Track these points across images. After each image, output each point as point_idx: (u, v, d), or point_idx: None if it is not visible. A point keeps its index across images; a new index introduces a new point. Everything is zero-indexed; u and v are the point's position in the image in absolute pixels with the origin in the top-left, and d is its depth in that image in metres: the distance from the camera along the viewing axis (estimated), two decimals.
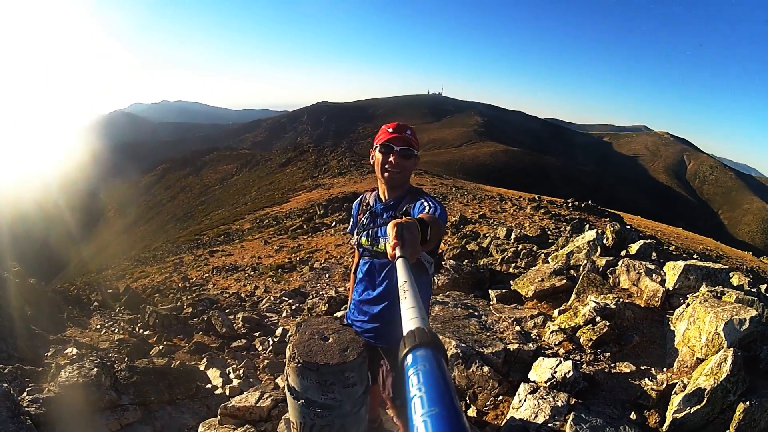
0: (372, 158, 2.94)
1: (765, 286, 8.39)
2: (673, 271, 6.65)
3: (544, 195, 30.34)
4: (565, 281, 6.89)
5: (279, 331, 8.44)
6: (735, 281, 6.99)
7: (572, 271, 7.48)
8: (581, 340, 5.62)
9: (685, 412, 4.28)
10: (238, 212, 45.04)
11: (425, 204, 2.63)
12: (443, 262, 3.72)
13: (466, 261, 11.34)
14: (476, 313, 6.17)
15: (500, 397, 4.86)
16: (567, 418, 4.05)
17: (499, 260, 10.95)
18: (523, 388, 4.42)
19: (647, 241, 8.77)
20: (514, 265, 10.20)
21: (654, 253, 8.33)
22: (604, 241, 8.44)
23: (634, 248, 8.40)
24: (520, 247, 12.03)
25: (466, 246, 14.44)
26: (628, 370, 5.23)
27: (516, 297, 7.17)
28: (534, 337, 5.84)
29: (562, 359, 4.85)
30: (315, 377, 2.47)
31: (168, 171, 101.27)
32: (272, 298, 12.87)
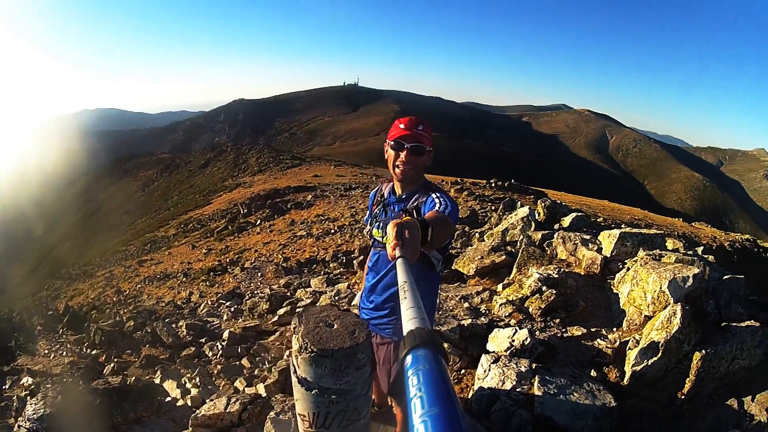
0: (385, 154, 2.90)
1: (700, 249, 8.79)
2: (608, 239, 6.99)
3: (466, 178, 30.74)
4: (504, 257, 7.06)
5: (226, 334, 8.22)
6: (670, 245, 7.40)
7: (509, 247, 7.69)
8: (530, 310, 5.79)
9: (643, 365, 4.52)
10: (162, 218, 43.69)
11: (436, 201, 2.62)
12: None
13: None
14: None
15: (462, 371, 4.91)
16: (533, 381, 4.16)
17: None
18: (485, 359, 4.50)
19: (579, 214, 9.07)
20: (460, 247, 10.36)
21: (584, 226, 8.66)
22: (537, 216, 8.71)
23: (566, 221, 8.69)
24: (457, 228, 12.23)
25: None
26: (579, 333, 5.44)
27: (458, 276, 7.29)
28: (484, 311, 5.92)
29: (517, 328, 4.96)
30: (330, 363, 2.41)
31: (90, 183, 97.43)
32: (209, 303, 12.64)
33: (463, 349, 5.11)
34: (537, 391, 4.06)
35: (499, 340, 4.94)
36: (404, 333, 0.83)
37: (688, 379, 4.56)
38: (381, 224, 2.88)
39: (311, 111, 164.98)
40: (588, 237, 7.31)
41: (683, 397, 4.56)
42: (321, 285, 11.11)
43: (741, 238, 26.18)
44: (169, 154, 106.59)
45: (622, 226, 13.39)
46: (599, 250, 6.95)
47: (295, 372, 2.56)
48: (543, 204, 9.16)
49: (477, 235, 10.45)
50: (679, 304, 4.82)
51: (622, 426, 4.09)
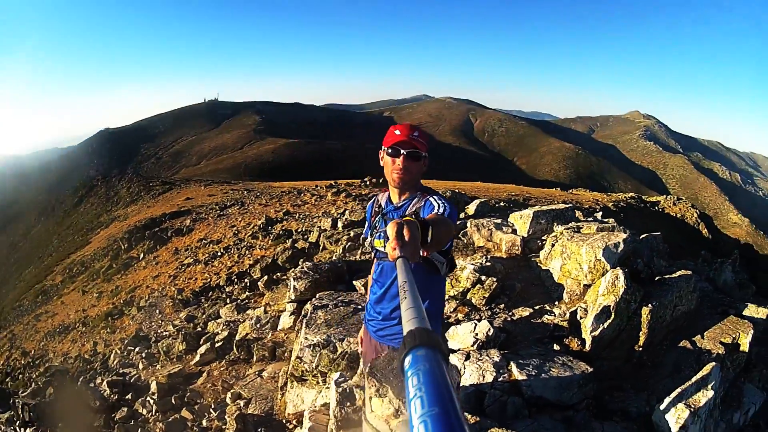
0: (381, 161, 2.87)
1: (599, 213, 9.27)
2: (522, 220, 7.30)
3: (339, 179, 30.87)
4: None
5: (153, 386, 7.60)
6: (580, 216, 7.71)
7: None
8: (473, 301, 5.84)
9: (600, 329, 4.81)
10: (47, 265, 40.62)
11: (435, 204, 2.61)
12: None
13: (317, 258, 11.24)
14: (359, 306, 6.06)
15: None
16: (510, 368, 4.17)
17: (340, 250, 10.90)
18: (456, 358, 4.46)
19: (482, 200, 9.31)
20: (360, 252, 10.24)
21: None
22: None
23: (471, 209, 8.91)
24: (352, 233, 12.06)
25: (296, 246, 14.13)
26: (526, 313, 5.61)
27: None
28: None
29: (476, 322, 5.00)
30: None
31: None
32: (117, 351, 12.08)
33: None
34: (518, 375, 4.10)
35: (461, 337, 4.93)
36: (404, 333, 0.83)
37: (641, 332, 4.95)
38: (381, 234, 2.82)
39: (174, 132, 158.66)
40: (499, 221, 7.53)
41: (640, 349, 4.93)
42: (232, 313, 10.70)
43: (625, 197, 28.01)
44: (43, 196, 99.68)
45: (501, 203, 13.91)
46: (514, 232, 7.24)
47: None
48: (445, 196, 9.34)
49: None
50: (618, 268, 5.17)
51: (598, 387, 4.34)
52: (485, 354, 4.43)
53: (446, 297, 5.75)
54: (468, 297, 5.86)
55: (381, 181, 26.24)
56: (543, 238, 7.20)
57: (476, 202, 9.08)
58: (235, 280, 14.31)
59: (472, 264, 6.12)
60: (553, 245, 6.59)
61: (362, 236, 3.32)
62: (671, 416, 3.75)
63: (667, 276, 5.51)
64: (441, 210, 2.52)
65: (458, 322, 5.43)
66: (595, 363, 4.59)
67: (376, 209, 3.06)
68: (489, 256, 6.68)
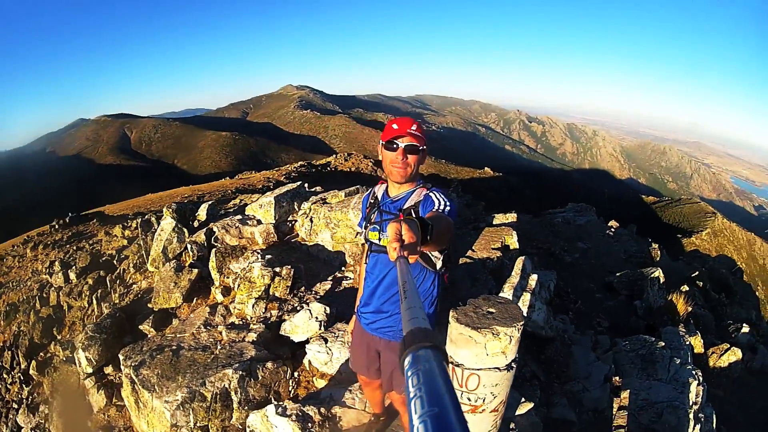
0: (379, 155, 2.79)
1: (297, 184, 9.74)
2: (263, 209, 7.66)
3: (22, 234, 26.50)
4: (196, 271, 6.72)
5: None
6: (318, 189, 8.31)
7: (183, 259, 7.42)
8: (278, 294, 6.12)
9: None
10: None
11: (435, 200, 2.59)
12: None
13: (68, 321, 9.93)
14: (176, 346, 5.60)
15: (298, 374, 5.00)
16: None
17: (92, 301, 9.85)
18: (318, 346, 4.68)
19: (209, 203, 9.19)
20: (126, 293, 9.35)
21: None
22: (177, 222, 8.57)
23: (202, 214, 8.70)
24: (91, 280, 10.90)
25: (40, 315, 12.35)
26: (328, 286, 6.30)
27: (168, 314, 6.55)
28: (245, 322, 5.82)
29: (306, 309, 5.42)
30: None
31: None
32: None
33: (276, 356, 5.08)
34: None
35: (302, 328, 5.31)
36: (404, 333, 0.84)
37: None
38: (377, 226, 2.77)
39: None
40: (240, 216, 7.67)
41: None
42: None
43: (295, 167, 29.43)
44: None
45: (203, 201, 13.86)
46: (260, 222, 7.53)
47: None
48: (170, 209, 8.98)
49: (131, 269, 9.53)
50: None
51: None
52: (339, 331, 4.73)
53: (252, 301, 5.79)
54: (271, 292, 6.07)
55: (68, 220, 22.91)
56: (290, 219, 7.53)
57: (204, 206, 8.86)
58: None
59: (258, 262, 6.26)
60: (312, 221, 6.96)
61: (357, 227, 3.16)
62: (522, 303, 4.51)
63: None
64: (442, 207, 2.52)
65: (281, 319, 5.64)
66: None
67: (372, 201, 2.99)
68: (259, 250, 6.75)
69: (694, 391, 5.16)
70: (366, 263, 3.00)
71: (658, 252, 16.57)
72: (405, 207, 2.72)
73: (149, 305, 6.67)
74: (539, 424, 4.10)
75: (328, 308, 5.28)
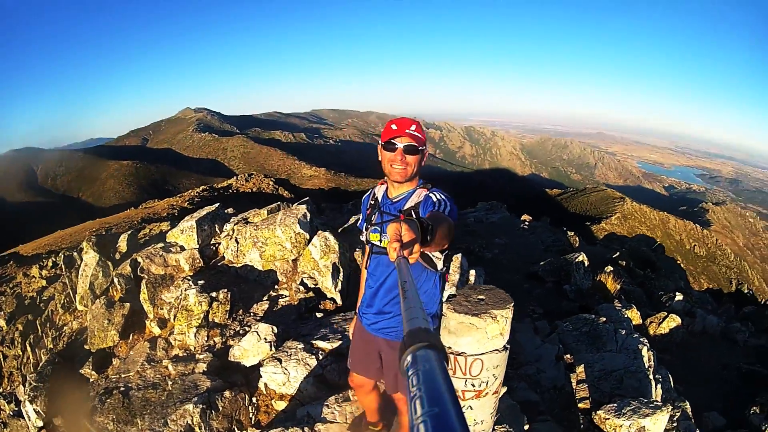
0: (379, 156, 2.76)
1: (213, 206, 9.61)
2: (185, 234, 7.34)
3: None
4: (128, 305, 6.28)
5: None
6: (230, 211, 8.21)
7: (111, 294, 6.92)
8: (217, 319, 5.91)
9: (341, 283, 6.11)
10: None
11: (435, 201, 2.56)
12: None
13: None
14: (124, 387, 5.16)
15: (254, 400, 4.76)
16: (317, 344, 4.93)
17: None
18: (269, 370, 4.46)
19: (127, 233, 8.82)
20: (59, 335, 8.71)
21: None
22: (100, 256, 8.14)
23: (123, 245, 8.27)
24: (21, 326, 10.13)
25: None
26: (266, 306, 6.16)
27: (107, 354, 6.19)
28: (190, 353, 5.51)
29: (254, 331, 5.28)
30: None
31: None
32: None
33: (231, 384, 4.87)
34: (329, 346, 4.91)
35: (253, 351, 5.17)
36: (404, 333, 0.83)
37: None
38: (377, 228, 2.76)
39: None
40: (161, 245, 7.37)
41: None
42: None
43: (198, 192, 28.91)
44: None
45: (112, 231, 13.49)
46: (183, 248, 7.27)
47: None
48: (91, 243, 8.48)
49: (62, 309, 8.93)
50: (318, 232, 6.33)
51: None
52: (291, 349, 4.66)
53: (193, 331, 5.48)
54: (210, 318, 5.87)
55: None
56: (213, 242, 7.37)
57: (124, 236, 8.43)
58: None
59: (192, 289, 6.02)
60: (238, 241, 6.87)
61: (357, 228, 2.98)
62: None
63: (345, 226, 7.39)
64: (442, 207, 2.50)
65: (226, 345, 5.46)
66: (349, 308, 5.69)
67: (372, 202, 2.96)
68: (189, 277, 6.47)
69: (646, 356, 5.46)
70: (367, 266, 2.98)
71: (576, 239, 17.53)
72: (405, 208, 2.71)
73: (86, 347, 6.28)
74: (516, 406, 4.23)
75: (275, 328, 5.16)
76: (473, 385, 2.83)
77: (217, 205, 8.33)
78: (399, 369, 0.75)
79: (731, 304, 17.12)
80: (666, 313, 9.29)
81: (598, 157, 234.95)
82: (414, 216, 2.08)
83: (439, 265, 2.72)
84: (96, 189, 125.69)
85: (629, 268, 15.32)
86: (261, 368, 4.72)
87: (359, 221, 3.08)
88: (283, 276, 6.54)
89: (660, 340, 8.54)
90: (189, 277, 6.45)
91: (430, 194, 2.64)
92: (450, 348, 2.84)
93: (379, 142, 2.74)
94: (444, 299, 3.01)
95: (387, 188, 2.89)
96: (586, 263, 10.80)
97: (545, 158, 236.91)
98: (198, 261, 6.96)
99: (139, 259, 7.01)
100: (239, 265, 6.90)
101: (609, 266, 12.25)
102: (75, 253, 9.48)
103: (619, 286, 10.28)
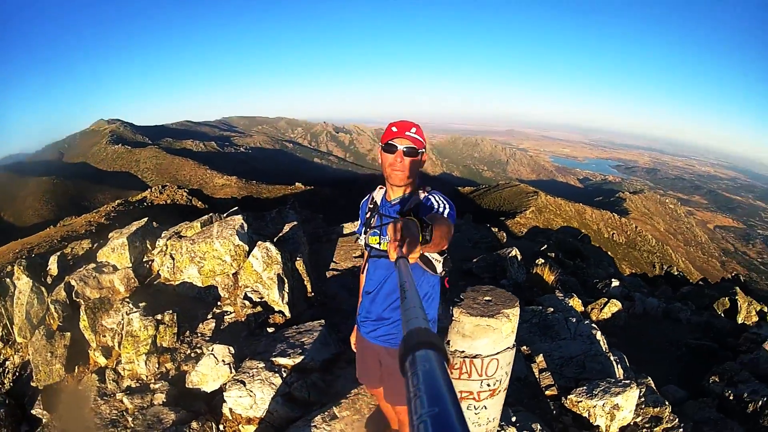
0: (378, 159, 2.76)
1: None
2: (116, 252, 6.93)
3: None
4: (68, 334, 5.82)
5: None
6: (155, 224, 8.03)
7: (48, 323, 6.53)
8: (166, 344, 5.56)
9: (287, 295, 5.95)
10: None
11: (434, 202, 2.56)
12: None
13: None
14: (81, 427, 4.90)
15: (221, 427, 4.53)
16: (277, 360, 4.80)
17: None
18: (234, 394, 4.27)
19: (57, 254, 8.35)
20: (2, 373, 8.14)
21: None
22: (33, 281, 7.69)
23: (53, 267, 7.75)
24: None
25: None
26: (213, 324, 5.91)
27: (55, 390, 5.71)
28: (143, 383, 5.15)
29: (209, 353, 5.11)
30: None
31: None
32: None
33: (196, 413, 4.67)
34: (289, 361, 4.81)
35: (212, 375, 4.95)
36: (404, 333, 0.83)
37: (305, 279, 6.70)
38: (377, 231, 2.74)
39: None
40: (93, 265, 6.96)
41: (312, 293, 6.66)
42: None
43: (114, 206, 28.15)
44: None
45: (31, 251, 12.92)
46: (116, 268, 6.96)
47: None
48: (22, 267, 7.96)
49: (0, 343, 8.31)
50: (258, 243, 6.16)
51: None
52: (252, 369, 4.50)
53: (143, 358, 5.20)
54: (159, 344, 5.56)
55: None
56: (146, 259, 7.04)
57: (54, 258, 7.91)
58: None
59: (135, 312, 5.67)
60: (173, 257, 6.63)
61: (356, 233, 2.80)
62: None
63: (280, 235, 7.19)
64: (441, 209, 2.50)
65: (180, 371, 5.23)
66: (298, 320, 5.60)
67: (371, 206, 2.94)
68: (127, 299, 6.11)
69: (601, 339, 5.59)
70: (365, 271, 2.96)
71: (503, 235, 17.97)
72: (404, 210, 2.69)
73: (32, 383, 5.75)
74: None
75: (231, 348, 4.99)
76: (488, 385, 2.91)
77: (146, 219, 7.93)
78: (399, 369, 0.73)
79: (668, 286, 18.13)
80: (606, 299, 9.72)
81: (509, 153, 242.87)
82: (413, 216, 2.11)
83: (439, 268, 2.71)
84: (17, 208, 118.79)
85: (559, 259, 15.93)
86: (224, 393, 4.54)
87: (359, 226, 3.03)
88: (225, 291, 6.34)
89: (604, 324, 8.94)
90: (128, 300, 6.10)
91: (430, 196, 2.65)
92: (464, 352, 2.90)
93: (379, 144, 2.74)
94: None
95: (386, 192, 2.88)
96: (520, 257, 11.09)
97: (456, 157, 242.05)
98: (133, 281, 6.60)
99: (73, 282, 6.58)
100: (177, 282, 6.62)
101: (540, 258, 12.69)
102: (8, 279, 8.83)
103: (554, 277, 10.62)
